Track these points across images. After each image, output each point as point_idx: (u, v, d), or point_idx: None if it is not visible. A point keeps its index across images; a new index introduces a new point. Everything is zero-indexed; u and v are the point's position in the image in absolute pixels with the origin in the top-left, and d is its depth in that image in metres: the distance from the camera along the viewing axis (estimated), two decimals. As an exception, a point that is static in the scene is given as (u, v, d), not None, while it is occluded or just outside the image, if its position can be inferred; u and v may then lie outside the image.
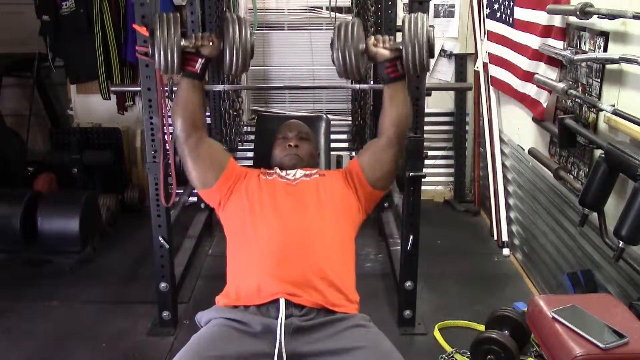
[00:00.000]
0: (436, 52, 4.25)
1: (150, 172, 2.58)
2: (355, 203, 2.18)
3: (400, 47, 2.05)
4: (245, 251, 2.03)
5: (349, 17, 3.99)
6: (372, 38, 2.12)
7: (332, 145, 2.96)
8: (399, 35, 2.12)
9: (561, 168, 2.78)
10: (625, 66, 2.24)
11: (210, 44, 2.09)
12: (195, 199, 3.87)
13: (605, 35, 2.38)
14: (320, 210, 2.09)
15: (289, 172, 2.26)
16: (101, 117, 4.47)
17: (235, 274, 2.03)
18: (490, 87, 3.77)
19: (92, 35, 4.03)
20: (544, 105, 2.96)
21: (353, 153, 4.03)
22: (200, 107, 2.15)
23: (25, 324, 2.87)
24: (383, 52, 2.10)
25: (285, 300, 1.86)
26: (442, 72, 4.28)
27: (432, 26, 2.07)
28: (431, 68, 2.07)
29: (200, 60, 2.10)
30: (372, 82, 3.70)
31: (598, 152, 2.32)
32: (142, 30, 2.33)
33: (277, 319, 1.82)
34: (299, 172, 2.25)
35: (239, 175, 2.19)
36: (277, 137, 2.45)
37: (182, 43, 2.05)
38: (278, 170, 2.28)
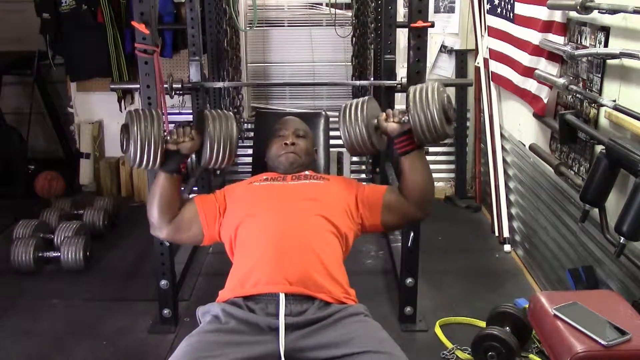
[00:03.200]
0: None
1: (150, 170, 2.57)
2: (351, 224, 2.14)
3: (409, 120, 2.02)
4: (243, 249, 2.03)
5: (348, 14, 3.99)
6: (384, 114, 2.11)
7: (332, 142, 2.94)
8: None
9: (562, 164, 2.77)
10: (626, 61, 2.23)
11: (191, 140, 2.07)
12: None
13: (606, 30, 2.37)
14: (318, 208, 2.07)
15: (287, 174, 2.26)
16: (102, 114, 4.48)
17: (233, 270, 2.03)
18: (491, 83, 3.76)
19: (97, 31, 4.05)
20: (545, 100, 2.95)
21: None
22: (176, 199, 2.12)
23: (25, 322, 2.87)
24: (394, 126, 2.08)
25: (285, 295, 1.86)
26: (443, 68, 4.27)
27: (445, 90, 2.03)
28: (449, 132, 2.04)
29: (179, 156, 2.08)
30: (372, 79, 3.69)
31: (599, 148, 2.32)
32: (142, 28, 2.33)
33: (277, 316, 1.82)
34: (301, 175, 2.25)
35: (222, 205, 2.17)
36: (273, 134, 2.43)
37: (166, 139, 2.03)
38: (274, 174, 2.28)
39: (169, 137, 2.06)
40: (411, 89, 2.05)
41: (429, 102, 1.98)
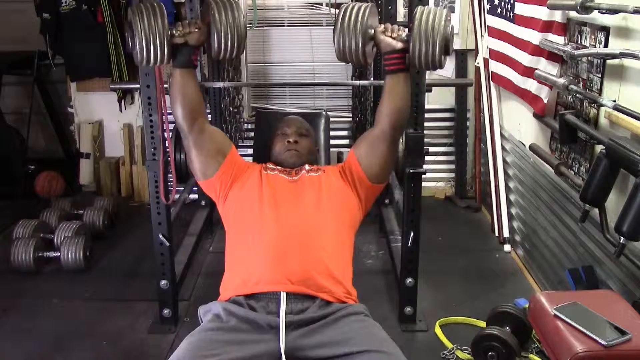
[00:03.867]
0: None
1: (150, 169, 2.58)
2: (355, 200, 2.17)
3: (408, 39, 1.98)
4: (246, 245, 2.03)
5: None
6: (382, 26, 2.06)
7: (332, 142, 2.95)
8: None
9: (562, 164, 2.77)
10: (626, 61, 2.23)
11: (197, 30, 2.05)
12: (195, 196, 3.86)
13: (606, 30, 2.37)
14: (320, 207, 2.08)
15: (290, 168, 2.26)
16: (102, 114, 4.48)
17: (235, 266, 2.03)
18: (491, 82, 3.76)
19: (97, 31, 4.05)
20: (545, 100, 2.95)
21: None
22: (197, 94, 2.13)
23: (25, 322, 2.87)
24: (390, 41, 2.03)
25: (286, 294, 1.86)
26: (443, 68, 4.25)
27: (450, 22, 1.98)
28: (445, 65, 2.00)
29: (188, 48, 2.06)
30: (372, 79, 3.69)
31: (599, 148, 2.32)
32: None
33: (277, 314, 1.82)
34: (301, 169, 2.25)
35: (240, 168, 2.18)
36: (276, 133, 2.43)
37: (172, 33, 2.00)
38: (280, 167, 2.27)
39: (175, 31, 2.02)
40: (418, 10, 1.99)
41: (434, 31, 1.92)
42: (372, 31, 2.03)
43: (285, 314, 1.82)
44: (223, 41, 2.01)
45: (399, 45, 2.02)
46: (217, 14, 2.00)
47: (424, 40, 1.93)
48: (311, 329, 1.82)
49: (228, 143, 2.22)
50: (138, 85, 2.54)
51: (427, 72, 2.48)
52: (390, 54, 2.05)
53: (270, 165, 2.27)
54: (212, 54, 2.07)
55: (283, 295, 1.85)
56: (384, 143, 2.14)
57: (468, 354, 2.54)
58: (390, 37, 2.03)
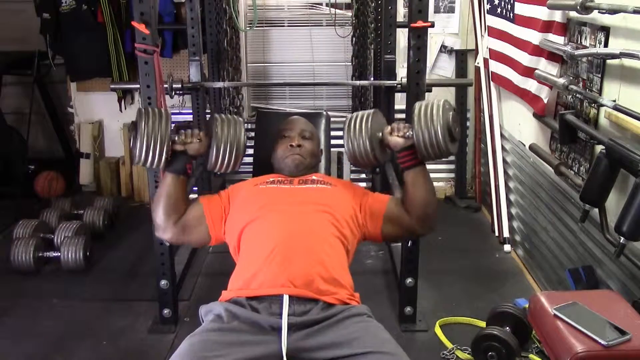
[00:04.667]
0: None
1: (150, 170, 2.58)
2: (355, 230, 2.14)
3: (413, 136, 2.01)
4: (248, 251, 2.03)
5: (348, 13, 3.99)
6: (389, 127, 2.10)
7: (333, 142, 2.94)
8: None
9: (562, 164, 2.77)
10: (626, 61, 2.23)
11: (198, 141, 2.08)
12: (195, 196, 3.84)
13: (606, 30, 2.37)
14: (323, 212, 2.07)
15: (294, 177, 2.26)
16: (102, 114, 4.48)
17: (237, 272, 2.02)
18: (491, 82, 3.76)
19: (97, 31, 4.05)
20: (545, 100, 2.95)
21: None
22: (182, 200, 2.13)
23: (25, 322, 2.87)
24: (398, 140, 2.07)
25: (289, 296, 1.86)
26: (443, 68, 4.27)
27: (450, 107, 2.02)
28: (453, 151, 2.04)
29: (186, 157, 2.08)
30: (372, 79, 3.69)
31: (599, 148, 2.32)
32: (142, 28, 2.33)
33: (280, 315, 1.82)
34: (308, 179, 2.25)
35: (223, 205, 2.17)
36: (279, 134, 2.42)
37: (173, 139, 2.03)
38: (281, 176, 2.28)
39: (176, 138, 2.06)
40: (416, 105, 2.05)
41: (433, 120, 1.97)
42: (380, 134, 2.09)
43: (288, 315, 1.82)
44: (220, 157, 2.07)
45: (407, 142, 2.06)
46: (219, 129, 2.06)
47: (426, 131, 1.98)
48: (313, 331, 1.81)
49: (199, 208, 2.16)
50: (138, 85, 2.54)
51: (427, 72, 2.49)
52: (401, 152, 2.09)
53: (269, 178, 2.27)
54: (208, 166, 2.12)
55: (286, 298, 1.85)
56: (407, 232, 2.22)
57: (468, 354, 2.54)
58: (397, 136, 2.08)
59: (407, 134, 2.05)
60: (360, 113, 2.13)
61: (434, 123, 1.97)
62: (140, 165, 2.03)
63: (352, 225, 2.12)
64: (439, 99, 2.06)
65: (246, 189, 2.22)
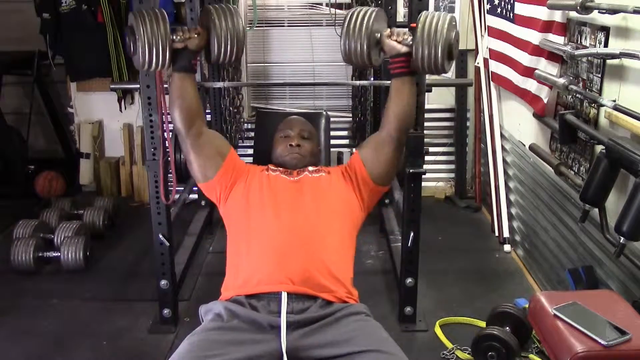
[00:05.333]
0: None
1: (150, 169, 2.58)
2: (357, 201, 2.17)
3: (412, 44, 1.99)
4: (247, 245, 2.03)
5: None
6: (388, 30, 2.09)
7: (333, 142, 2.95)
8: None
9: (562, 164, 2.77)
10: (626, 61, 2.23)
11: (197, 35, 2.08)
12: (195, 196, 3.86)
13: (606, 30, 2.37)
14: (322, 207, 2.08)
15: (292, 169, 2.26)
16: (102, 114, 4.48)
17: (236, 266, 2.03)
18: (491, 83, 3.76)
19: (97, 31, 4.05)
20: (545, 100, 2.95)
21: (353, 150, 4.02)
22: (196, 98, 2.15)
23: (25, 322, 2.86)
24: (394, 45, 2.06)
25: (287, 293, 1.86)
26: (447, 72, 4.25)
27: (455, 26, 1.99)
28: (450, 70, 2.02)
29: (188, 53, 2.08)
30: (372, 79, 3.69)
31: (599, 148, 2.32)
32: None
33: (279, 314, 1.82)
34: (304, 170, 2.25)
35: (240, 169, 2.19)
36: (278, 134, 2.42)
37: (172, 38, 2.03)
38: (281, 168, 2.28)
39: (175, 36, 2.05)
40: (423, 14, 2.01)
41: (436, 35, 1.94)
42: (379, 35, 2.06)
43: (287, 313, 1.83)
44: (223, 46, 2.05)
45: (404, 49, 2.05)
46: (216, 19, 2.04)
47: (427, 44, 1.95)
48: (312, 329, 1.82)
49: (227, 145, 2.23)
50: (138, 85, 2.54)
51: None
52: (395, 57, 2.07)
53: (272, 167, 2.28)
54: (212, 58, 2.11)
55: (284, 295, 1.85)
56: (390, 146, 2.16)
57: (468, 354, 2.54)
58: (396, 40, 2.06)
59: (406, 40, 2.03)
60: (363, 9, 2.08)
61: (437, 37, 1.94)
62: (145, 69, 2.03)
63: (351, 204, 2.14)
64: (446, 13, 2.02)
65: (255, 172, 2.22)
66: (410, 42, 2.02)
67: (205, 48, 2.12)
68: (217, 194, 2.16)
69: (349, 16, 2.06)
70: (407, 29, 2.11)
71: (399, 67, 2.08)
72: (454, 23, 1.99)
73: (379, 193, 2.25)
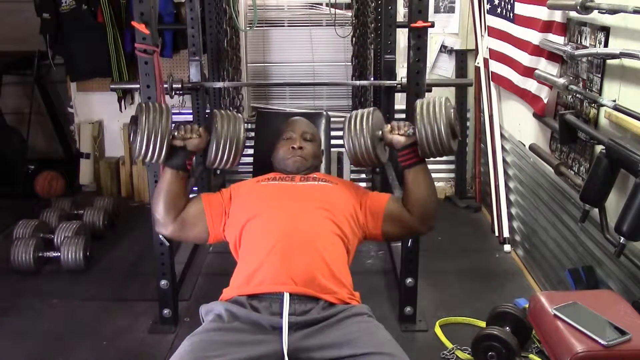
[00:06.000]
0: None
1: (150, 169, 2.57)
2: (356, 229, 2.14)
3: (415, 133, 2.02)
4: (249, 248, 2.03)
5: (348, 14, 3.99)
6: (388, 126, 2.10)
7: (333, 142, 2.95)
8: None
9: (562, 164, 2.77)
10: (626, 61, 2.23)
11: (197, 137, 2.09)
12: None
13: (606, 30, 2.37)
14: (324, 211, 2.07)
15: (295, 174, 2.26)
16: (102, 114, 4.48)
17: (238, 269, 2.03)
18: (491, 82, 3.76)
19: (97, 31, 4.06)
20: (545, 100, 2.95)
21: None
22: (182, 196, 2.14)
23: (25, 322, 2.86)
24: (398, 139, 2.07)
25: (290, 294, 1.86)
26: (443, 68, 4.27)
27: (451, 105, 2.03)
28: (454, 148, 2.03)
29: (185, 153, 2.09)
30: (372, 79, 3.69)
31: (599, 148, 2.32)
32: (142, 28, 2.33)
33: (280, 315, 1.82)
34: (310, 177, 2.26)
35: (221, 203, 2.17)
36: (280, 136, 2.42)
37: (173, 135, 2.05)
38: (282, 174, 2.28)
39: (176, 133, 2.07)
40: (418, 102, 2.05)
41: (436, 117, 1.98)
42: (380, 132, 2.09)
43: (289, 315, 1.82)
44: (220, 152, 2.08)
45: (408, 140, 2.06)
46: (219, 125, 2.07)
47: (429, 128, 1.98)
48: (314, 330, 1.81)
49: (198, 203, 2.17)
50: (138, 85, 2.54)
51: (427, 72, 2.49)
52: (402, 150, 2.09)
53: (271, 176, 2.28)
54: (207, 163, 2.13)
55: (286, 296, 1.85)
56: (407, 230, 2.20)
57: (468, 354, 2.54)
58: (398, 134, 2.08)
59: (409, 131, 2.05)
60: (359, 112, 2.12)
61: (437, 120, 1.98)
62: (140, 159, 2.06)
63: (352, 224, 2.12)
64: (440, 96, 2.07)
65: (247, 186, 2.23)
66: (412, 132, 2.04)
67: (203, 151, 2.13)
68: (225, 236, 2.16)
69: (347, 121, 2.10)
70: (406, 122, 2.13)
71: (409, 158, 2.09)
72: (448, 103, 2.03)
73: (375, 239, 2.25)
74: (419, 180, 2.11)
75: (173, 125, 2.07)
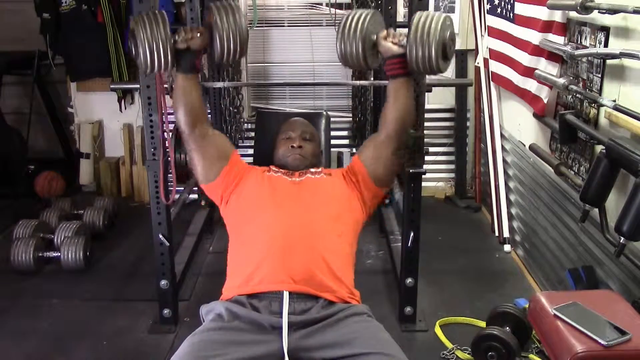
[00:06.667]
0: None
1: (150, 169, 2.58)
2: (358, 202, 2.17)
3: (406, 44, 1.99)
4: (248, 245, 2.03)
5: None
6: (384, 31, 2.09)
7: (333, 142, 2.95)
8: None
9: (562, 164, 2.77)
10: (626, 61, 2.23)
11: (199, 35, 2.07)
12: (195, 196, 3.86)
13: (606, 30, 2.37)
14: (324, 208, 2.09)
15: (294, 170, 2.26)
16: (102, 114, 4.48)
17: (237, 266, 2.03)
18: (491, 83, 3.76)
19: (97, 31, 4.06)
20: (545, 100, 2.95)
21: (354, 150, 4.03)
22: (199, 99, 2.15)
23: (25, 322, 2.87)
24: (390, 46, 2.06)
25: (289, 293, 1.86)
26: (443, 72, 4.25)
27: (450, 26, 1.99)
28: (447, 70, 2.01)
29: (191, 54, 2.08)
30: (372, 79, 3.69)
31: (599, 148, 2.32)
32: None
33: (280, 314, 1.82)
34: (306, 172, 2.26)
35: (242, 171, 2.19)
36: (280, 135, 2.43)
37: (174, 39, 2.03)
38: (283, 169, 2.28)
39: (177, 37, 2.05)
40: (417, 15, 2.00)
41: (429, 33, 1.93)
42: (374, 37, 2.06)
43: (288, 314, 1.82)
44: (225, 45, 2.04)
45: (399, 50, 2.04)
46: (218, 18, 2.03)
47: (420, 44, 1.95)
48: (314, 330, 1.82)
49: (230, 147, 2.23)
50: (138, 85, 2.54)
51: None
52: (390, 58, 2.07)
53: (274, 168, 2.28)
54: (215, 57, 2.10)
55: (286, 295, 1.85)
56: (389, 147, 2.17)
57: (468, 354, 2.54)
58: (391, 42, 2.06)
59: (402, 42, 2.03)
60: (358, 11, 2.08)
61: (430, 38, 1.94)
62: (148, 71, 2.03)
63: (351, 210, 2.14)
64: (441, 13, 2.02)
65: (256, 173, 2.22)
66: (405, 43, 2.01)
67: (209, 47, 2.11)
68: (219, 195, 2.17)
69: (344, 19, 2.07)
70: (400, 31, 2.10)
71: (395, 68, 2.08)
72: (448, 22, 1.99)
73: (380, 195, 2.25)
74: (400, 92, 2.12)
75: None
